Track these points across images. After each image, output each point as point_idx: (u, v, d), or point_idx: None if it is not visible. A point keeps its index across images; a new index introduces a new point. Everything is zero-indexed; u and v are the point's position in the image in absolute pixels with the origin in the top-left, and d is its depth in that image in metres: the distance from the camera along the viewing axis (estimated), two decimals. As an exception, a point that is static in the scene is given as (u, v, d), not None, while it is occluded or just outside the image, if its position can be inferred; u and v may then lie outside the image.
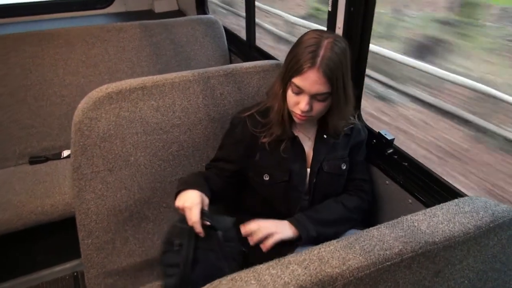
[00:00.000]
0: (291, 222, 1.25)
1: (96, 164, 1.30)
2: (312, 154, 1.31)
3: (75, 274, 2.02)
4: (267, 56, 2.10)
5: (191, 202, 1.14)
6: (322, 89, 1.12)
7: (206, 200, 1.19)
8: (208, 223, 1.12)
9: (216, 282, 0.69)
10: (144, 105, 1.32)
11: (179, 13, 2.89)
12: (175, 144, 1.40)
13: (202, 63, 2.27)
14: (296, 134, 1.30)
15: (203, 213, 1.13)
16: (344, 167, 1.34)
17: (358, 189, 1.38)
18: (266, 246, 1.21)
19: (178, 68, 2.22)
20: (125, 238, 1.42)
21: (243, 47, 2.27)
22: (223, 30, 2.33)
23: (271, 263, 0.72)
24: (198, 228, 1.10)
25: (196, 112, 1.40)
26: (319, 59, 1.09)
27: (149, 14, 2.84)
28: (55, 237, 1.87)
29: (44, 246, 1.89)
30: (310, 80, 1.11)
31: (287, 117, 1.24)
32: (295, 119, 1.22)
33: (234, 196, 1.43)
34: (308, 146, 1.32)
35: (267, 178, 1.30)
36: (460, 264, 0.79)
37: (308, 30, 1.20)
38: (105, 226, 1.37)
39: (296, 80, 1.13)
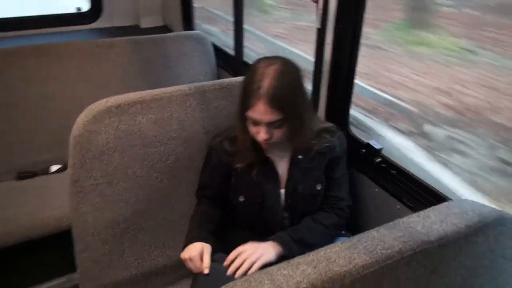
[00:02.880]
0: (275, 241, 1.26)
1: (95, 177, 1.32)
2: (287, 175, 1.34)
3: None
4: (255, 71, 2.16)
5: (195, 251, 1.23)
6: (273, 117, 1.16)
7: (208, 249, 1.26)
8: None
9: (231, 283, 0.72)
10: (142, 118, 1.35)
11: (165, 28, 2.94)
12: (172, 156, 1.43)
13: (191, 77, 2.31)
14: (268, 155, 1.33)
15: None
16: (319, 188, 1.36)
17: (335, 207, 1.40)
18: (252, 272, 1.19)
19: (167, 83, 2.21)
20: (121, 251, 1.43)
21: (232, 62, 2.33)
22: (211, 46, 2.39)
23: (281, 264, 0.77)
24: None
25: (192, 125, 1.44)
26: (263, 90, 1.13)
27: (135, 30, 2.87)
28: (46, 252, 1.85)
29: (35, 261, 1.86)
30: (260, 112, 1.15)
31: (252, 146, 1.28)
32: (262, 145, 1.27)
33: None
34: (282, 167, 1.35)
35: (242, 200, 1.35)
36: (453, 261, 0.85)
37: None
38: (102, 238, 1.38)
39: (249, 113, 1.18)
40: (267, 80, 1.14)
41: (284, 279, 0.72)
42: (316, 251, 0.80)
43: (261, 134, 1.20)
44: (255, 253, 1.21)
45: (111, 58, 2.16)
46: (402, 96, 3.04)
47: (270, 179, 1.33)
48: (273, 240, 1.27)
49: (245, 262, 1.19)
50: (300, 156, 1.33)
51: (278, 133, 1.21)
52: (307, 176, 1.34)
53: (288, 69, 1.18)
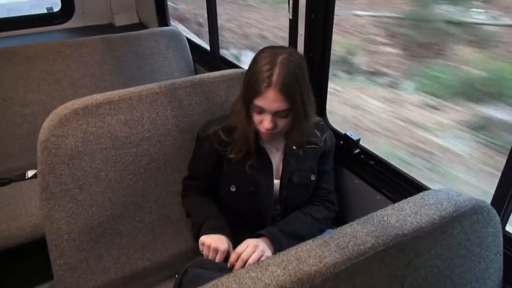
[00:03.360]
0: (265, 236, 1.24)
1: (65, 182, 1.28)
2: (281, 166, 1.32)
3: None
4: (231, 65, 2.12)
5: (223, 246, 1.21)
6: (282, 106, 1.15)
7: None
8: None
9: None
10: (112, 120, 1.31)
11: (140, 26, 2.88)
12: (145, 157, 1.39)
13: (167, 74, 2.27)
14: (262, 146, 1.31)
15: None
16: (313, 178, 1.35)
17: (324, 199, 1.39)
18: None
19: (142, 81, 2.20)
20: (99, 256, 1.39)
21: (207, 57, 2.29)
22: (187, 41, 2.34)
23: (250, 267, 0.74)
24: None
25: (165, 124, 1.40)
26: (275, 78, 1.12)
27: (109, 28, 2.80)
28: (23, 260, 1.81)
29: (12, 270, 1.82)
30: (269, 99, 1.13)
31: (253, 137, 1.25)
32: (262, 136, 1.25)
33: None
34: (277, 158, 1.33)
35: (233, 189, 1.32)
36: (428, 253, 0.83)
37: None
38: (78, 244, 1.34)
39: (256, 101, 1.16)
40: (277, 68, 1.12)
41: (252, 282, 0.69)
42: (286, 250, 0.77)
43: (264, 124, 1.17)
44: (256, 252, 1.18)
45: (83, 58, 2.10)
46: (249, 32, 4.46)
47: (264, 169, 1.31)
48: (263, 235, 1.24)
49: (247, 264, 1.16)
50: (294, 147, 1.31)
51: (282, 123, 1.19)
52: (301, 166, 1.33)
53: (295, 58, 1.16)
